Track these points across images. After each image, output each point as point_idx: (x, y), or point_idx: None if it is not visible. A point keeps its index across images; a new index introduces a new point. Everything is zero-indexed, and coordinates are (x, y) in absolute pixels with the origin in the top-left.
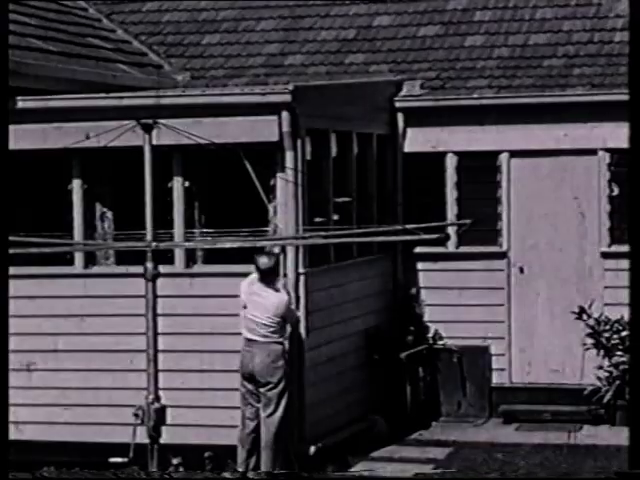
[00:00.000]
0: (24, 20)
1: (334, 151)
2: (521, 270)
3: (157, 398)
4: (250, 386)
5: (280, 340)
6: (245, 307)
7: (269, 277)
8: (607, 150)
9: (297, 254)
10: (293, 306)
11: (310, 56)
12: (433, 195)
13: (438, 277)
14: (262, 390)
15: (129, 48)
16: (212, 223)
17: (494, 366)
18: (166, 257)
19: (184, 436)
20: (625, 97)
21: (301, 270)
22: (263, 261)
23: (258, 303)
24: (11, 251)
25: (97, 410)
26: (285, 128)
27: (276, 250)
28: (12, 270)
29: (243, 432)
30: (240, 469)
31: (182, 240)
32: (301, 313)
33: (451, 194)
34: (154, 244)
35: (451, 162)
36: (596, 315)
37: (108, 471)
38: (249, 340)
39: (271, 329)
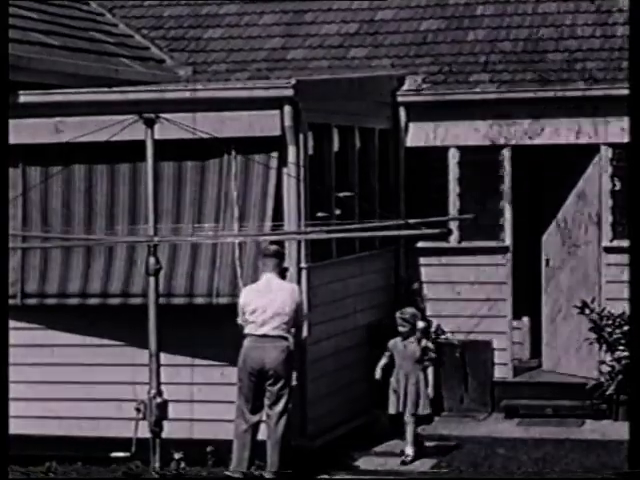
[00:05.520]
0: (26, 14)
1: (336, 146)
2: (547, 262)
3: (159, 393)
4: (257, 382)
5: (288, 336)
6: (245, 313)
7: (281, 261)
8: (609, 145)
9: (299, 249)
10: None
11: (312, 50)
12: (435, 190)
13: (440, 272)
14: (273, 388)
15: (131, 42)
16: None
17: (496, 361)
18: None
19: (186, 431)
20: (627, 91)
21: (303, 265)
22: (273, 247)
23: (272, 295)
24: (11, 245)
25: (99, 404)
26: (287, 122)
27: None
28: None
29: (240, 429)
30: (236, 466)
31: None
32: (304, 307)
33: (453, 189)
34: (156, 238)
35: (453, 157)
36: (598, 310)
37: (110, 466)
38: (259, 336)
39: (286, 319)
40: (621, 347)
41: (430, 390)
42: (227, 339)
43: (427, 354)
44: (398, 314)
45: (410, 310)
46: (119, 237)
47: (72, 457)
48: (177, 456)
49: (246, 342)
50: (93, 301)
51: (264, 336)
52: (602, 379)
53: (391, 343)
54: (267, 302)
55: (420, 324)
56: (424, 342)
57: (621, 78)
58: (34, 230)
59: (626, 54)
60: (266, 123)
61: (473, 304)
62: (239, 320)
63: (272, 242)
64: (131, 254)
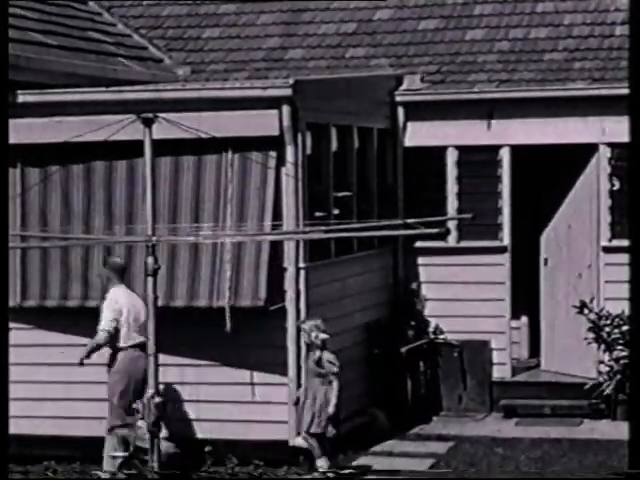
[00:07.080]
0: (24, 14)
1: (334, 145)
2: (545, 262)
3: (157, 393)
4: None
5: None
6: (121, 321)
7: (124, 274)
8: (608, 144)
9: (297, 248)
10: None
11: (310, 50)
12: (433, 189)
13: (439, 271)
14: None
15: (129, 42)
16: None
17: (494, 360)
18: None
19: (184, 430)
20: (626, 91)
21: (301, 264)
22: (119, 262)
23: (138, 305)
24: (11, 245)
25: (98, 404)
26: (285, 122)
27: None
28: None
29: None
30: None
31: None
32: (302, 307)
33: (452, 188)
34: (154, 238)
35: (452, 156)
36: (597, 310)
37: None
38: (142, 345)
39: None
40: (620, 347)
41: (331, 408)
42: (227, 340)
43: (324, 367)
44: (298, 322)
45: (311, 321)
46: (117, 237)
47: (70, 457)
48: None
49: (131, 352)
50: (92, 303)
51: (144, 345)
52: (601, 379)
53: None
54: (139, 312)
55: (314, 335)
56: (318, 353)
57: (620, 78)
58: (32, 230)
59: (624, 54)
60: (264, 123)
61: (471, 304)
62: (108, 327)
63: (109, 254)
64: (129, 255)
